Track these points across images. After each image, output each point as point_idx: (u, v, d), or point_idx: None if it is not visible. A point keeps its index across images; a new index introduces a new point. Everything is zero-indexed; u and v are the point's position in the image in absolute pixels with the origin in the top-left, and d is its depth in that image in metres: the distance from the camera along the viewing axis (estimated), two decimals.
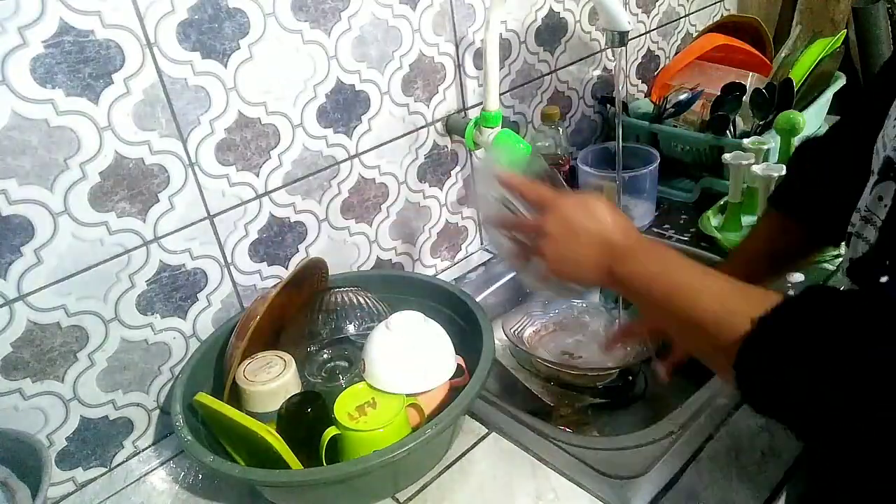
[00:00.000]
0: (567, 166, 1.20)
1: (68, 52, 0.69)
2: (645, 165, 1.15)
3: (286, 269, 0.97)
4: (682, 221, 1.21)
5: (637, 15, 1.33)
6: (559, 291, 0.78)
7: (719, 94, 1.20)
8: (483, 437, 0.83)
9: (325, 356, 0.90)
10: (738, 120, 1.22)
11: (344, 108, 0.94)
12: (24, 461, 0.69)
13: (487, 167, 0.94)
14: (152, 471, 0.86)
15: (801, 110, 1.16)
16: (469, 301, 0.89)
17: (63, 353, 0.78)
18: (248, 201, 0.89)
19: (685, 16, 1.45)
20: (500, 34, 1.09)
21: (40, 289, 0.74)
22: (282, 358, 0.83)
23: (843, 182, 0.61)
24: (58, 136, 0.71)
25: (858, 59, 1.45)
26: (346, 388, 0.80)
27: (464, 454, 0.81)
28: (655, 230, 1.19)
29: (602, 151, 1.22)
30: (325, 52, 0.89)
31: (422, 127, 1.05)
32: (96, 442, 0.84)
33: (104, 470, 0.86)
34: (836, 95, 1.31)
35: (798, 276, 0.95)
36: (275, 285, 0.84)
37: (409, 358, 0.79)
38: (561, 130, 1.18)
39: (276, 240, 0.94)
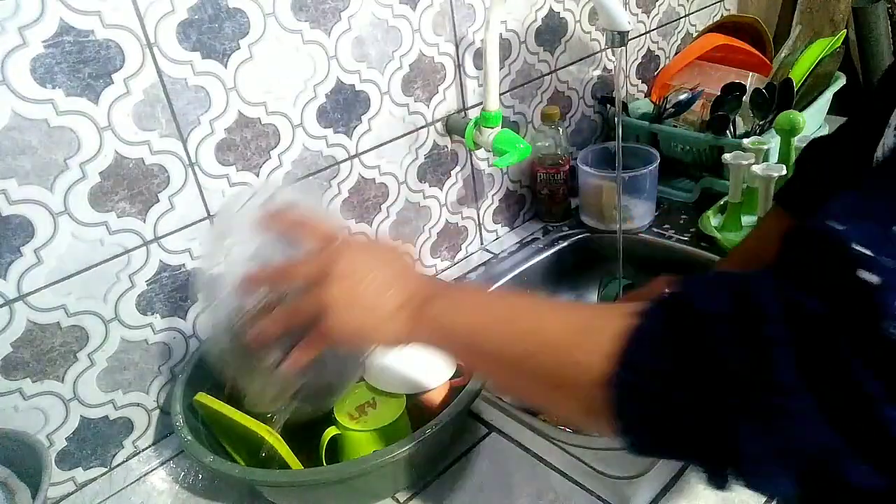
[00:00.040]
0: (567, 166, 1.20)
1: (68, 52, 0.69)
2: (645, 165, 1.14)
3: None
4: (682, 221, 1.21)
5: (637, 15, 1.33)
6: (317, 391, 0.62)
7: (719, 94, 1.20)
8: (483, 437, 0.83)
9: None
10: (738, 120, 1.21)
11: (344, 108, 0.94)
12: (25, 461, 0.69)
13: (240, 211, 0.72)
14: (152, 471, 0.86)
15: (801, 110, 1.16)
16: None
17: (63, 353, 0.78)
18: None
19: (685, 16, 1.45)
20: (500, 34, 1.08)
21: (40, 289, 0.74)
22: None
23: (847, 184, 0.61)
24: (58, 136, 0.71)
25: (858, 59, 1.45)
26: None
27: (464, 454, 0.81)
28: (655, 230, 1.19)
29: (602, 151, 1.22)
30: (325, 52, 0.89)
31: (422, 127, 1.05)
32: (96, 442, 0.84)
33: (104, 470, 0.86)
34: (836, 95, 1.31)
35: None
36: None
37: (409, 358, 0.79)
38: (561, 130, 1.18)
39: None
